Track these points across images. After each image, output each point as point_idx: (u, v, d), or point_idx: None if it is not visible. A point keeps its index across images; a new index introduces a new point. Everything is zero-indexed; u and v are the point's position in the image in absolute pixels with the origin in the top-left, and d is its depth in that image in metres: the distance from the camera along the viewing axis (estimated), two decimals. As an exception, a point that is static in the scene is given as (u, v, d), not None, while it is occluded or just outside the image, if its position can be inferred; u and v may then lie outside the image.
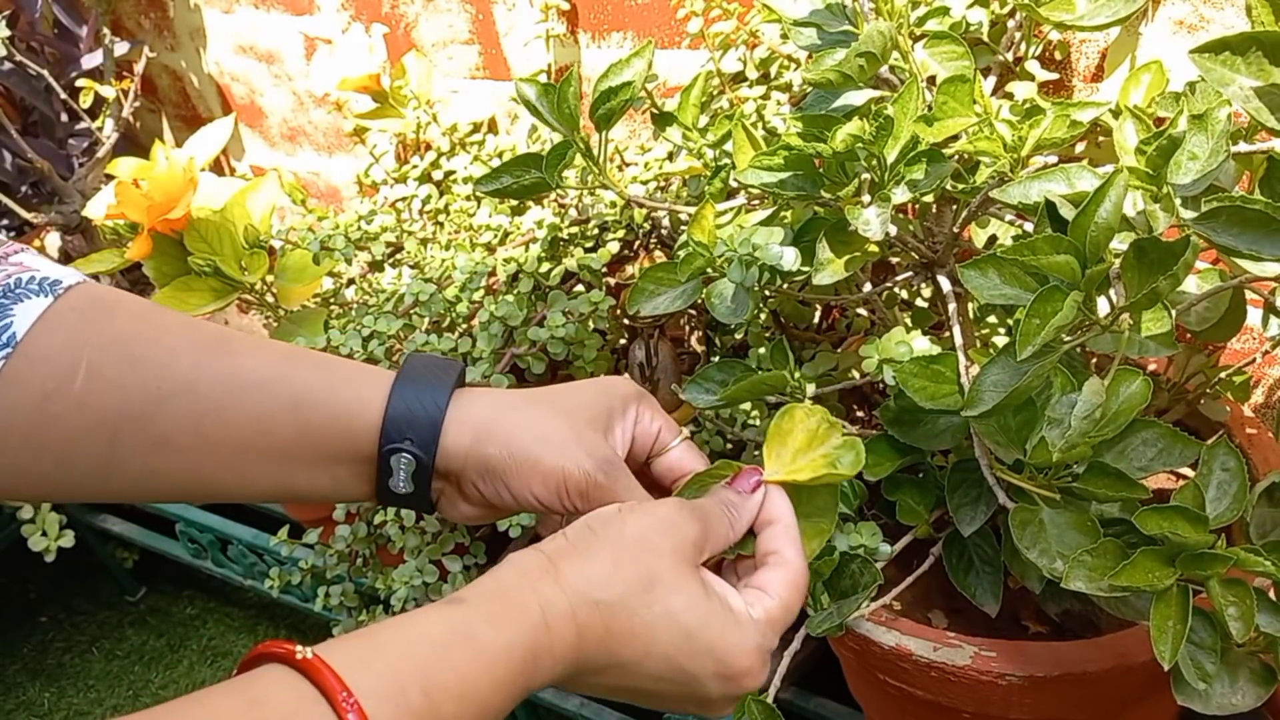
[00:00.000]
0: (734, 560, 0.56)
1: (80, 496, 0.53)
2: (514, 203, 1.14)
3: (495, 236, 1.12)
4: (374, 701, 0.38)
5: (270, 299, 1.13)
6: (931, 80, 0.71)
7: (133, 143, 1.72)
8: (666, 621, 0.47)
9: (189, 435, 0.51)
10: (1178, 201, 0.54)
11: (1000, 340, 0.82)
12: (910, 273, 0.76)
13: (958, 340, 0.68)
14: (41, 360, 0.49)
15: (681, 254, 0.73)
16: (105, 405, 0.50)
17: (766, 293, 0.85)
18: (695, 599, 0.48)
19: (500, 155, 1.24)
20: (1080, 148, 0.84)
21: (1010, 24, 0.84)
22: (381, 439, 0.52)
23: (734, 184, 0.81)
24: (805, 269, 0.71)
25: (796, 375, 0.74)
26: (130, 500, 0.56)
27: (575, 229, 1.05)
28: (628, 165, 1.16)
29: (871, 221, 0.63)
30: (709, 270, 0.72)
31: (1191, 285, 0.67)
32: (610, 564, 0.47)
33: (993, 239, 0.83)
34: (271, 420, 0.52)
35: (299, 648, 0.39)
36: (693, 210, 0.80)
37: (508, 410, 0.54)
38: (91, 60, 1.61)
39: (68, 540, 1.53)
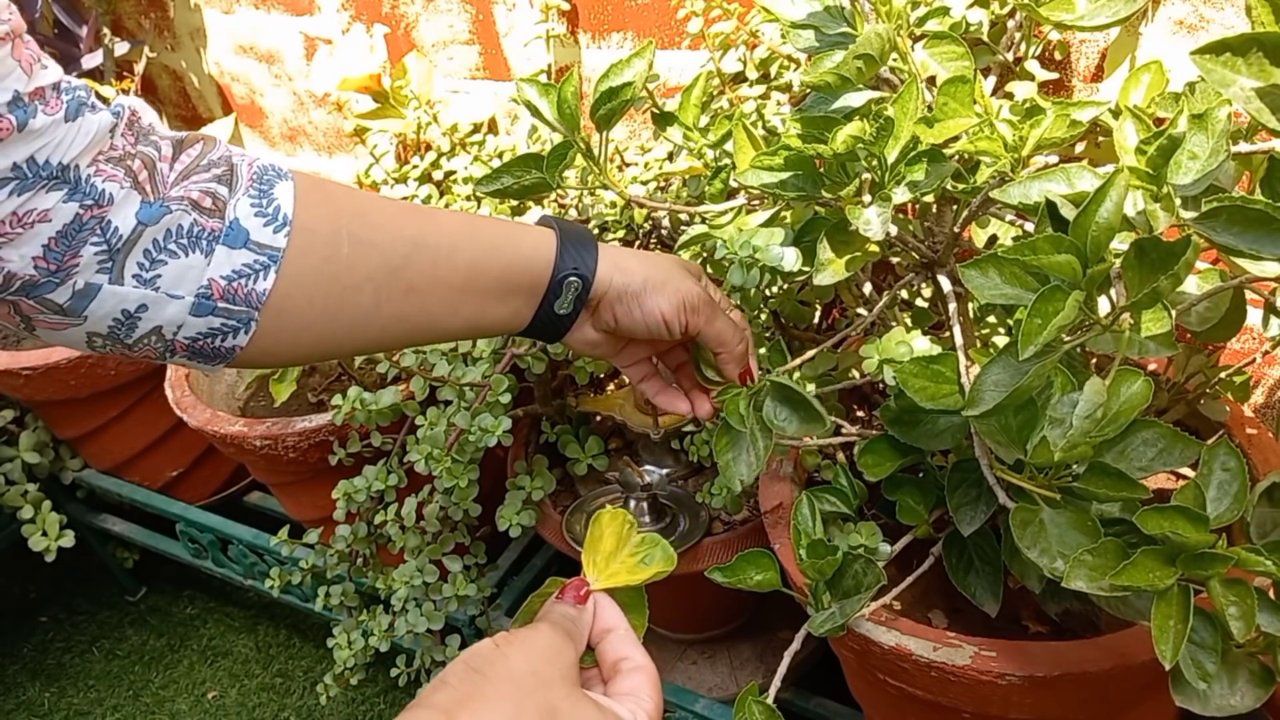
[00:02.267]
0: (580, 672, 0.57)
1: (334, 352, 0.64)
2: (514, 203, 1.14)
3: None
4: None
5: (270, 299, 1.13)
6: (932, 81, 0.71)
7: (133, 143, 1.72)
8: None
9: (429, 279, 0.63)
10: (1178, 201, 0.54)
11: (1000, 340, 0.82)
12: (910, 273, 0.76)
13: (958, 340, 0.68)
14: (312, 232, 0.58)
15: (682, 254, 0.73)
16: (370, 262, 0.61)
17: (767, 293, 0.85)
18: (589, 717, 0.49)
19: (500, 155, 1.24)
20: (1080, 148, 0.84)
21: (1010, 24, 0.84)
22: (555, 269, 0.67)
23: (734, 184, 0.81)
24: (806, 269, 0.71)
25: (795, 375, 0.74)
26: (369, 350, 0.67)
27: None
28: (628, 165, 1.16)
29: (872, 221, 0.63)
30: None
31: (1191, 285, 0.67)
32: (511, 707, 0.47)
33: (993, 239, 0.83)
34: (482, 262, 0.65)
35: None
36: (693, 210, 0.80)
37: (636, 259, 0.70)
38: (91, 60, 1.61)
39: (68, 540, 1.53)
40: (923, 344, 0.69)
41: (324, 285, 0.59)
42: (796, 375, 0.73)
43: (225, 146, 0.59)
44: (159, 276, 0.54)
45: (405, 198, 1.24)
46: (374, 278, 0.61)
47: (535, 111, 0.74)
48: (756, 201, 0.80)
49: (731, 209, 0.80)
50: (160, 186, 0.55)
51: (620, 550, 0.58)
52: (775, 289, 0.88)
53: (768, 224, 0.76)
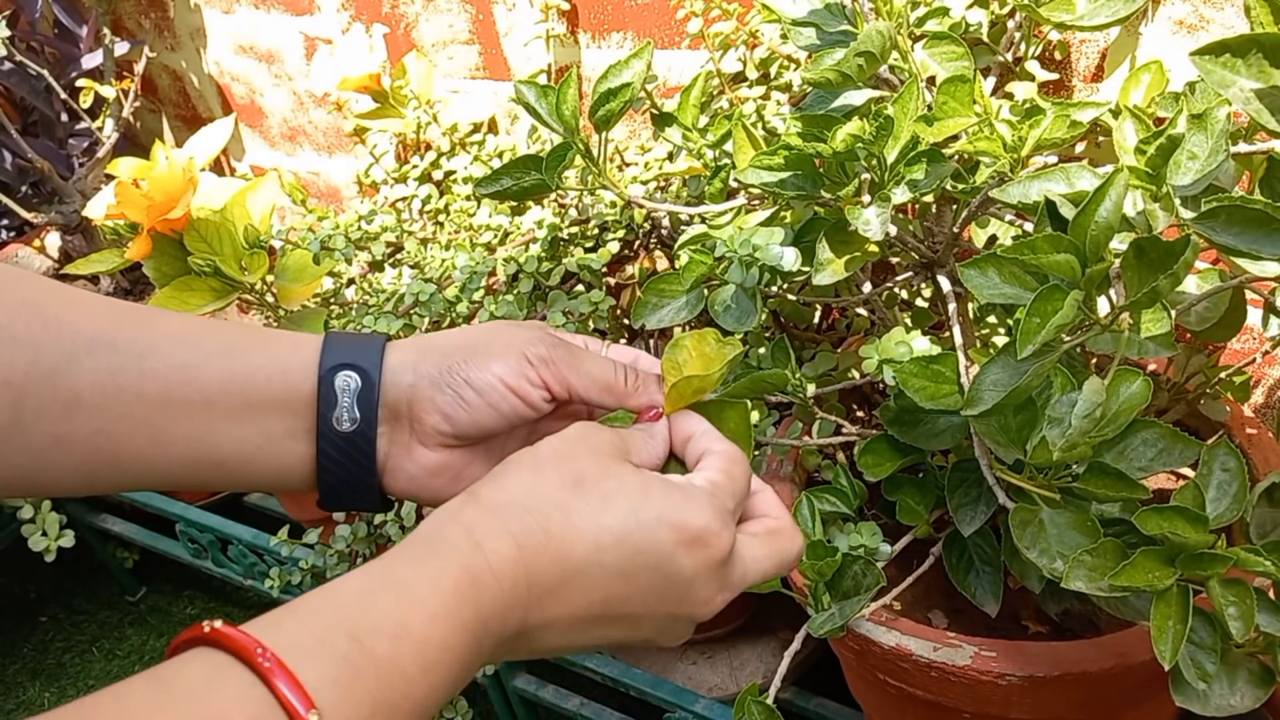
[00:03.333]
0: None
1: None
2: (514, 203, 1.14)
3: (495, 236, 1.12)
4: (295, 655, 0.35)
5: (270, 299, 1.13)
6: (931, 80, 0.71)
7: (133, 143, 1.73)
8: (608, 504, 0.44)
9: (103, 391, 0.46)
10: (1177, 201, 0.54)
11: (1000, 340, 0.82)
12: (910, 273, 0.76)
13: (958, 340, 0.68)
14: None
15: (683, 259, 0.73)
16: (13, 365, 0.45)
17: (767, 293, 0.85)
18: (627, 479, 0.45)
19: (500, 155, 1.24)
20: (1080, 148, 0.84)
21: (1010, 24, 0.84)
22: (321, 362, 0.49)
23: (734, 184, 0.81)
24: (805, 269, 0.71)
25: (797, 374, 0.74)
26: (13, 492, 0.47)
27: (575, 229, 1.05)
28: (628, 165, 1.16)
29: (871, 221, 0.63)
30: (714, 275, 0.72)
31: (1191, 285, 0.67)
32: (530, 475, 0.45)
33: (993, 239, 0.83)
34: (195, 369, 0.47)
35: (206, 623, 0.36)
36: (692, 210, 0.80)
37: (443, 336, 0.52)
38: (91, 60, 1.61)
39: (68, 540, 1.53)
40: (922, 344, 0.69)
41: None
42: (798, 374, 0.73)
43: None
44: None
45: (405, 198, 1.24)
46: (15, 383, 0.45)
47: (534, 113, 0.74)
48: (756, 201, 0.80)
49: (731, 209, 0.80)
50: None
51: (709, 373, 0.53)
52: (775, 288, 0.88)
53: (767, 224, 0.75)
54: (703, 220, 0.85)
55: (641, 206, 0.95)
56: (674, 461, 0.52)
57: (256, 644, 0.35)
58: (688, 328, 0.85)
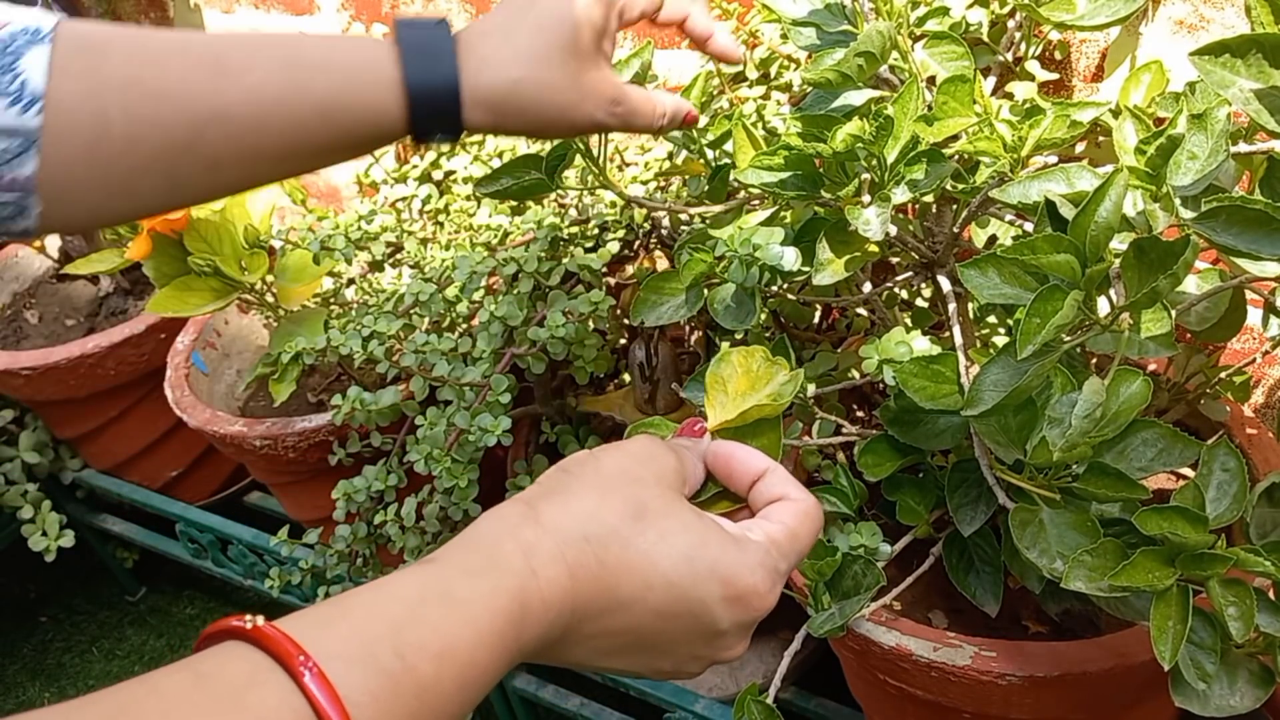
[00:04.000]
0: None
1: (157, 212, 0.57)
2: (514, 203, 1.14)
3: (495, 236, 1.12)
4: (339, 664, 0.35)
5: (270, 299, 1.13)
6: (931, 80, 0.71)
7: (133, 143, 1.72)
8: (664, 545, 0.44)
9: (235, 154, 0.54)
10: (1177, 201, 0.54)
11: (1000, 340, 0.82)
12: (910, 273, 0.76)
13: (958, 340, 0.68)
14: (70, 111, 0.51)
15: (683, 257, 0.73)
16: (151, 141, 0.53)
17: (767, 293, 0.85)
18: (690, 521, 0.46)
19: (500, 155, 1.24)
20: (1080, 148, 0.84)
21: (1010, 24, 0.84)
22: (412, 130, 0.58)
23: (734, 184, 0.81)
24: (805, 269, 0.71)
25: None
26: (204, 201, 0.59)
27: (575, 229, 1.05)
28: (628, 165, 1.16)
29: (871, 221, 0.63)
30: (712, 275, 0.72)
31: (1191, 285, 0.67)
32: (595, 498, 0.45)
33: (993, 239, 0.83)
34: (304, 129, 0.55)
35: (248, 618, 0.36)
36: (693, 211, 0.80)
37: (514, 85, 0.58)
38: (91, 60, 1.61)
39: (68, 540, 1.53)
40: (922, 344, 0.69)
41: (101, 169, 0.53)
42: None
43: None
44: None
45: (405, 198, 1.24)
46: (163, 156, 0.53)
47: None
48: (756, 201, 0.80)
49: (731, 208, 0.80)
50: None
51: (756, 389, 0.53)
52: (775, 288, 0.88)
53: (767, 224, 0.75)
54: (703, 220, 0.85)
55: (642, 206, 0.95)
56: (715, 486, 0.52)
57: (299, 650, 0.34)
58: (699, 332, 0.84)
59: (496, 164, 1.23)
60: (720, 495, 0.52)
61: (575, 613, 0.43)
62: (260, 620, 0.36)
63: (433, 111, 0.58)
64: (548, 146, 0.75)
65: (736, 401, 0.53)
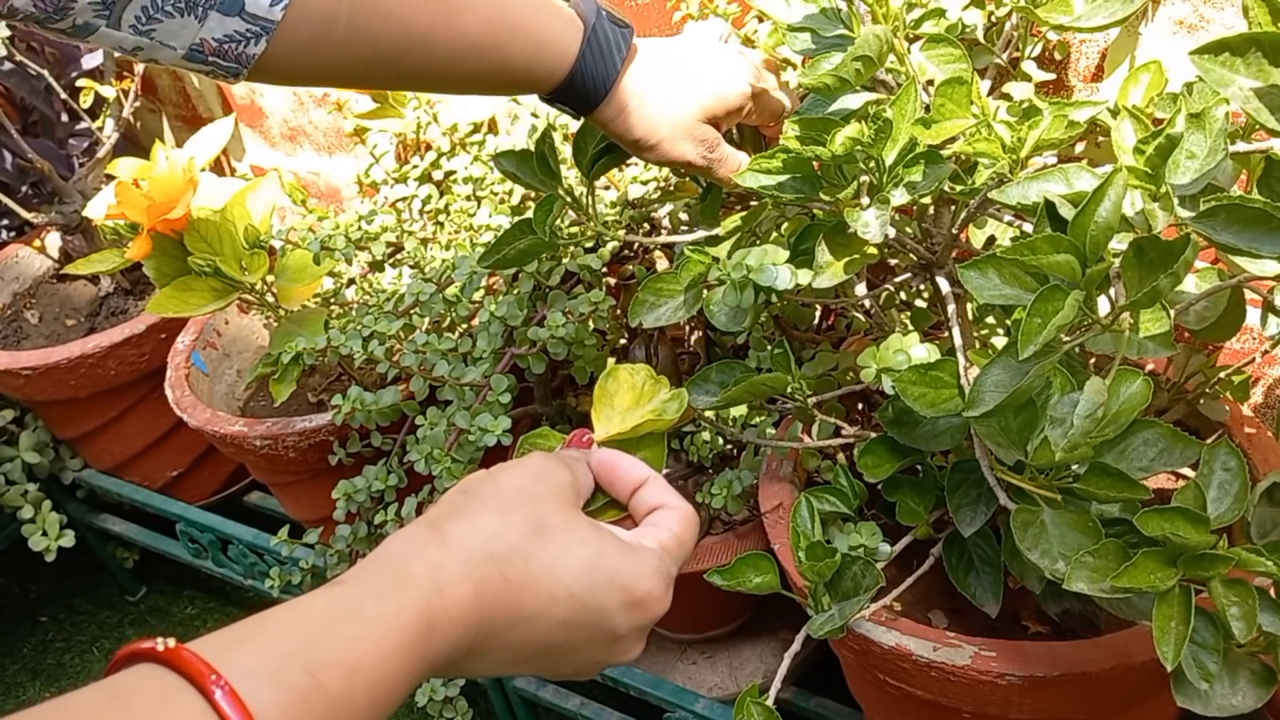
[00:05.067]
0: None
1: (340, 86, 0.75)
2: (514, 203, 1.14)
3: (495, 236, 1.12)
4: (250, 683, 0.36)
5: (270, 299, 1.13)
6: (929, 83, 0.71)
7: (133, 143, 1.73)
8: (566, 559, 0.47)
9: (422, 75, 0.66)
10: (1176, 201, 0.54)
11: (999, 341, 0.82)
12: (909, 274, 0.76)
13: (957, 341, 0.68)
14: (310, 8, 0.60)
15: (681, 262, 0.73)
16: (362, 50, 0.62)
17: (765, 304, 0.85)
18: (587, 534, 0.48)
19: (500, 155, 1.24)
20: (1080, 148, 0.84)
21: (1007, 25, 0.84)
22: (548, 98, 0.71)
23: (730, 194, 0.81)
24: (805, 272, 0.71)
25: (797, 377, 0.74)
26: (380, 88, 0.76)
27: (575, 229, 1.05)
28: (628, 165, 1.16)
29: (871, 224, 0.63)
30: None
31: (1190, 285, 0.67)
32: (496, 517, 0.47)
33: (991, 240, 0.83)
34: (484, 73, 0.66)
35: (159, 640, 0.37)
36: (687, 240, 0.80)
37: (647, 106, 0.71)
38: (92, 60, 1.61)
39: (68, 540, 1.53)
40: (920, 351, 0.68)
41: (314, 61, 0.62)
42: (799, 376, 0.73)
43: None
44: (154, 30, 0.57)
45: (405, 198, 1.24)
46: (366, 63, 0.63)
47: (516, 179, 0.79)
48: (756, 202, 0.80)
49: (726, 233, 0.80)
50: None
51: (640, 404, 0.56)
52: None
53: (744, 239, 0.76)
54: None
55: (640, 207, 0.95)
56: (603, 495, 0.54)
57: (210, 669, 0.36)
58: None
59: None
60: (609, 504, 0.55)
61: (482, 628, 0.44)
62: (172, 642, 0.37)
63: (573, 97, 0.70)
64: (531, 209, 0.78)
65: (622, 415, 0.56)
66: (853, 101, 0.71)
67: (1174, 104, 0.65)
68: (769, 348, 0.77)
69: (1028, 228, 0.70)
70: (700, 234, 0.81)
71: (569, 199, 0.76)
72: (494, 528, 0.46)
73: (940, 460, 0.76)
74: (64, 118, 1.63)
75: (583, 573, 0.47)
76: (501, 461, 0.52)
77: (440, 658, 0.43)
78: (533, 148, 0.77)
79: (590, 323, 0.93)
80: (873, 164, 0.63)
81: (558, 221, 0.77)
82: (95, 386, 1.42)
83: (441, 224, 1.20)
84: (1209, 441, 0.60)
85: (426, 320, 1.03)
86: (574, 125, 0.92)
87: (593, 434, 0.56)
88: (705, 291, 0.74)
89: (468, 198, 1.19)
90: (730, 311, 0.71)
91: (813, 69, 0.67)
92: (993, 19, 0.83)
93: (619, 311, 1.02)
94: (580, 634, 0.48)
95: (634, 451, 0.56)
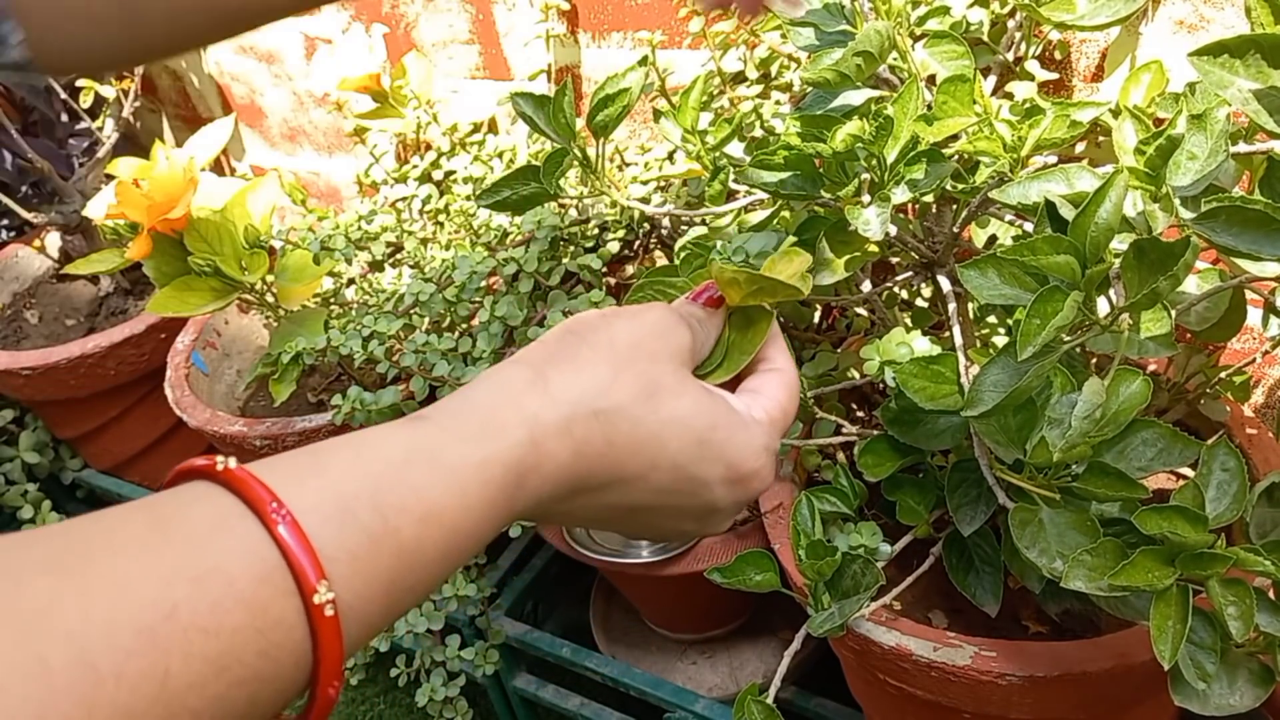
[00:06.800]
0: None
1: (125, 58, 0.61)
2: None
3: (495, 236, 1.12)
4: (314, 518, 0.32)
5: (270, 299, 1.13)
6: (932, 80, 0.71)
7: (133, 143, 1.73)
8: (675, 427, 0.43)
9: (195, 13, 0.58)
10: (1177, 201, 0.54)
11: (1000, 340, 0.82)
12: (910, 273, 0.76)
13: (957, 340, 0.68)
14: None
15: (682, 255, 0.73)
16: None
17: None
18: (701, 402, 0.45)
19: (500, 155, 1.24)
20: (1080, 148, 0.84)
21: (1010, 24, 0.84)
22: None
23: (734, 185, 0.81)
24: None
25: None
26: (201, 42, 0.63)
27: (575, 229, 1.05)
28: (628, 165, 1.16)
29: (871, 221, 0.63)
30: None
31: (1191, 285, 0.67)
32: (608, 371, 0.42)
33: (992, 239, 0.83)
34: None
35: (219, 459, 0.33)
36: (692, 213, 0.80)
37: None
38: (91, 60, 1.60)
39: (68, 540, 1.53)
40: (923, 344, 0.69)
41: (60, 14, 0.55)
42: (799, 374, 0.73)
43: None
44: None
45: (405, 198, 1.24)
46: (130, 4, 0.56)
47: (531, 122, 0.74)
48: (756, 203, 0.80)
49: (731, 210, 0.80)
50: None
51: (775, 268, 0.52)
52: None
53: (765, 224, 0.76)
54: (703, 222, 0.85)
55: (642, 211, 0.95)
56: (717, 357, 0.51)
57: (273, 496, 0.32)
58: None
59: (497, 164, 1.23)
60: (720, 367, 0.51)
61: (574, 485, 0.41)
62: (232, 462, 0.33)
63: None
64: (548, 147, 0.75)
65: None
66: (855, 98, 0.72)
67: (1175, 104, 0.65)
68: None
69: (1029, 227, 0.70)
70: (718, 210, 0.79)
71: (579, 155, 0.74)
72: (603, 382, 0.42)
73: (940, 460, 0.76)
74: (64, 117, 1.63)
75: (691, 444, 0.44)
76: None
77: (523, 511, 0.40)
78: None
79: (590, 322, 0.93)
80: (874, 161, 0.63)
81: (562, 180, 0.75)
82: (95, 386, 1.42)
83: (441, 224, 1.20)
84: (1209, 442, 0.61)
85: (426, 320, 1.03)
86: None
87: (717, 291, 0.51)
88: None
89: (468, 198, 1.19)
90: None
91: (815, 63, 0.67)
92: (996, 18, 0.84)
93: (619, 311, 1.02)
94: (676, 501, 0.45)
95: (750, 327, 0.52)
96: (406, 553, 0.34)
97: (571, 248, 1.04)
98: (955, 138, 0.65)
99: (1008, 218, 0.77)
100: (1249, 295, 0.73)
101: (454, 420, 0.39)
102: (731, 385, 0.50)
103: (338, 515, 0.33)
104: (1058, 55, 0.91)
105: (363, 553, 0.33)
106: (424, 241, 1.17)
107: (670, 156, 1.12)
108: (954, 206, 0.73)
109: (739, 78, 1.02)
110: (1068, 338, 0.54)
